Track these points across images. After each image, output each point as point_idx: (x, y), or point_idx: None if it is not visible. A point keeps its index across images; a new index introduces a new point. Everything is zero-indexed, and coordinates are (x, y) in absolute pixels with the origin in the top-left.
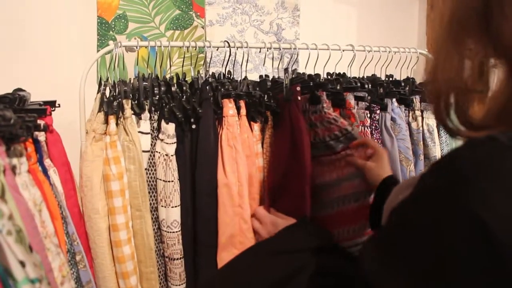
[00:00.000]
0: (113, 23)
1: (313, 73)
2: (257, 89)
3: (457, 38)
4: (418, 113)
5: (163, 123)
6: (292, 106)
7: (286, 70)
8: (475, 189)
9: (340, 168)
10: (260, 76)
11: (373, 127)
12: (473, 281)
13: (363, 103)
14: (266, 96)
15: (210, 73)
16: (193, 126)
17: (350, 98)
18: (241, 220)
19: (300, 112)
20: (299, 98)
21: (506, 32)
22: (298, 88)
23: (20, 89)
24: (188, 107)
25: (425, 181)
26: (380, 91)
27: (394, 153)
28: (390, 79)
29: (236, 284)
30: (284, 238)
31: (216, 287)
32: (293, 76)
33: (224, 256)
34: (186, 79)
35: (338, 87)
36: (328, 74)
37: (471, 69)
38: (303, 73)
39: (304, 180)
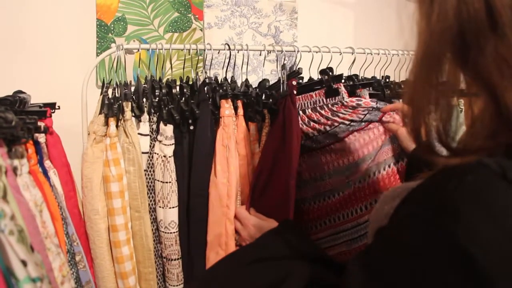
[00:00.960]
0: (112, 25)
1: (316, 76)
2: (256, 89)
3: (431, 73)
4: None
5: (161, 124)
6: (287, 101)
7: (283, 66)
8: (463, 221)
9: (375, 139)
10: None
11: None
12: None
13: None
14: (263, 94)
15: (211, 75)
16: (191, 128)
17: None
18: (227, 220)
19: (294, 106)
20: (294, 92)
21: (483, 66)
22: (294, 83)
23: (20, 91)
24: (186, 108)
25: (412, 208)
26: (387, 92)
27: None
28: (387, 80)
29: None
30: (267, 244)
31: None
32: (289, 72)
33: (211, 256)
34: (188, 81)
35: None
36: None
37: (450, 97)
38: (299, 68)
39: (290, 175)
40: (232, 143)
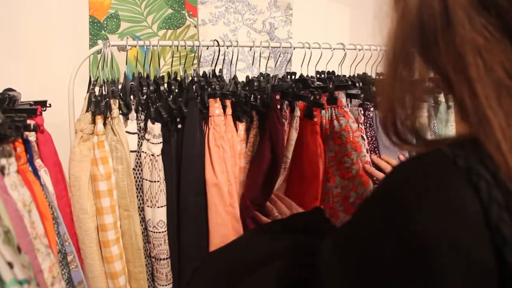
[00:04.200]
0: (105, 22)
1: (306, 72)
2: (247, 88)
3: (398, 67)
4: None
5: (149, 123)
6: (271, 115)
7: (267, 75)
8: (411, 201)
9: None
10: (247, 77)
11: (367, 124)
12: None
13: (357, 100)
14: (252, 96)
15: (202, 72)
16: (179, 126)
17: (342, 96)
18: (233, 219)
19: (279, 121)
20: (278, 107)
21: (440, 61)
22: (278, 97)
23: (10, 89)
24: (174, 106)
25: (375, 192)
26: (373, 89)
27: (394, 149)
28: (381, 77)
29: (230, 255)
30: (293, 220)
31: (212, 259)
32: (275, 82)
33: None
34: (177, 78)
35: (330, 85)
36: (317, 72)
37: (419, 88)
38: (296, 74)
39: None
40: (226, 142)
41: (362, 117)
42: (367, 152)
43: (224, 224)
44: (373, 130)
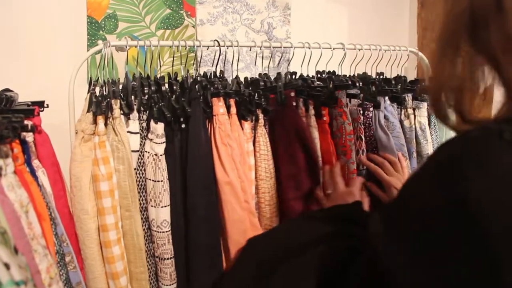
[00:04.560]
0: (103, 22)
1: (306, 72)
2: (250, 88)
3: (449, 50)
4: (410, 111)
5: (152, 122)
6: (290, 113)
7: (278, 74)
8: (462, 177)
9: None
10: (245, 78)
11: (366, 124)
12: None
13: (356, 100)
14: (256, 94)
15: (201, 72)
16: (183, 126)
17: (342, 96)
18: (250, 214)
19: (298, 116)
20: (294, 103)
21: (488, 43)
22: (293, 94)
23: (7, 90)
24: (177, 106)
25: (424, 169)
26: (373, 89)
27: (392, 149)
28: (381, 77)
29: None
30: (340, 209)
31: (253, 246)
32: (286, 80)
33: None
34: (178, 78)
35: (331, 85)
36: (318, 72)
37: (465, 70)
38: (297, 73)
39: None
40: (233, 141)
41: (361, 117)
42: (363, 153)
43: (241, 220)
44: (372, 130)
